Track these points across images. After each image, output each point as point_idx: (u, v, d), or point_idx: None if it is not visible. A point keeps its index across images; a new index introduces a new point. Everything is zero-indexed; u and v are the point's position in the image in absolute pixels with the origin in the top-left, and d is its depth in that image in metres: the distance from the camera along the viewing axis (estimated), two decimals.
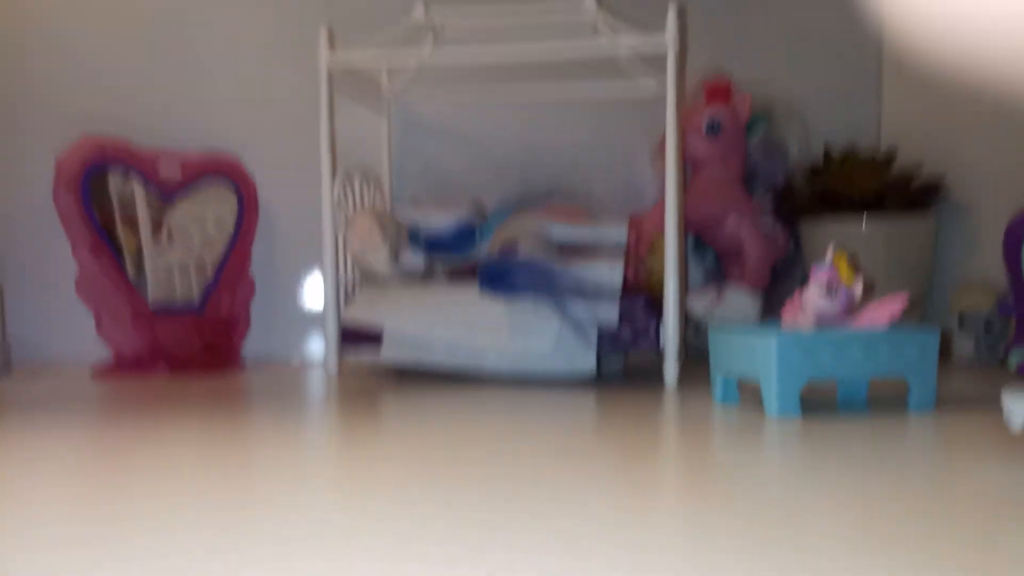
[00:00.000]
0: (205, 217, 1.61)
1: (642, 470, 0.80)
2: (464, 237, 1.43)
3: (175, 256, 1.57)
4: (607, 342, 1.30)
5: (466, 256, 1.45)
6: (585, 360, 1.29)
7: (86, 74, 1.66)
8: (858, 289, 1.05)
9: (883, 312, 1.03)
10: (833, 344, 1.01)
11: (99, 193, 1.52)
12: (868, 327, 1.02)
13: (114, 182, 1.54)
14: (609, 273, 1.27)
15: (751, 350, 1.03)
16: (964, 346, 1.50)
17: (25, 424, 1.05)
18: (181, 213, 1.60)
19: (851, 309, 1.06)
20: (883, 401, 1.11)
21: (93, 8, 1.66)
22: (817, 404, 1.07)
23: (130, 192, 1.55)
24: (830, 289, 1.04)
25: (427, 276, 1.52)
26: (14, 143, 1.66)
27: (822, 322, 1.04)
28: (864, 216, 1.51)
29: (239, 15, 1.67)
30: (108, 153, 1.51)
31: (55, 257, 1.59)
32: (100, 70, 1.66)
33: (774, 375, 0.99)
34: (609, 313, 1.26)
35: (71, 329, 1.62)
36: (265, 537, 0.60)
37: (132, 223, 1.55)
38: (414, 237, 1.45)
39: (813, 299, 1.04)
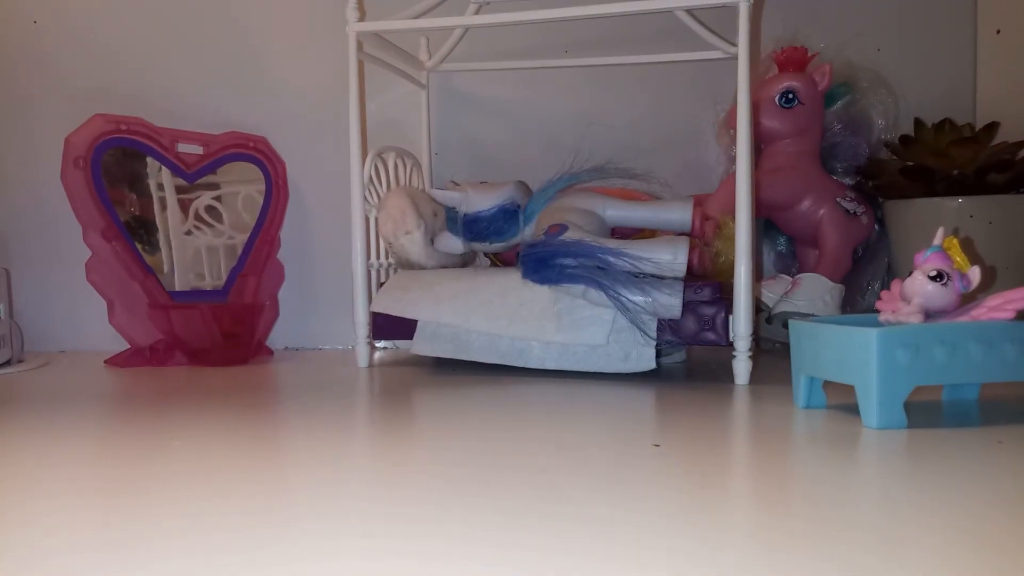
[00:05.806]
0: (232, 199, 1.50)
1: (711, 487, 0.65)
2: (507, 218, 1.28)
3: (201, 240, 1.47)
4: (668, 334, 1.15)
5: (509, 239, 1.30)
6: (643, 356, 1.14)
7: (102, 52, 1.55)
8: (974, 276, 0.88)
9: (1007, 304, 0.85)
10: (947, 340, 0.84)
11: (114, 173, 1.41)
12: (989, 320, 0.85)
13: (130, 161, 1.43)
14: (671, 258, 1.11)
15: (844, 347, 0.86)
16: None
17: (40, 416, 0.98)
18: (206, 195, 1.49)
19: (965, 300, 0.89)
20: (998, 409, 0.94)
21: None
22: (916, 409, 0.91)
23: (147, 172, 1.44)
24: (940, 276, 0.87)
25: (466, 261, 1.40)
26: (24, 123, 1.56)
27: (930, 315, 0.87)
28: (960, 195, 1.34)
29: None
30: (122, 129, 1.40)
31: (65, 241, 1.49)
32: (117, 47, 1.55)
33: (874, 378, 0.82)
34: (671, 302, 1.10)
35: (82, 317, 1.53)
36: (298, 538, 0.55)
37: (149, 205, 1.44)
38: (452, 219, 1.31)
39: (920, 287, 0.87)
